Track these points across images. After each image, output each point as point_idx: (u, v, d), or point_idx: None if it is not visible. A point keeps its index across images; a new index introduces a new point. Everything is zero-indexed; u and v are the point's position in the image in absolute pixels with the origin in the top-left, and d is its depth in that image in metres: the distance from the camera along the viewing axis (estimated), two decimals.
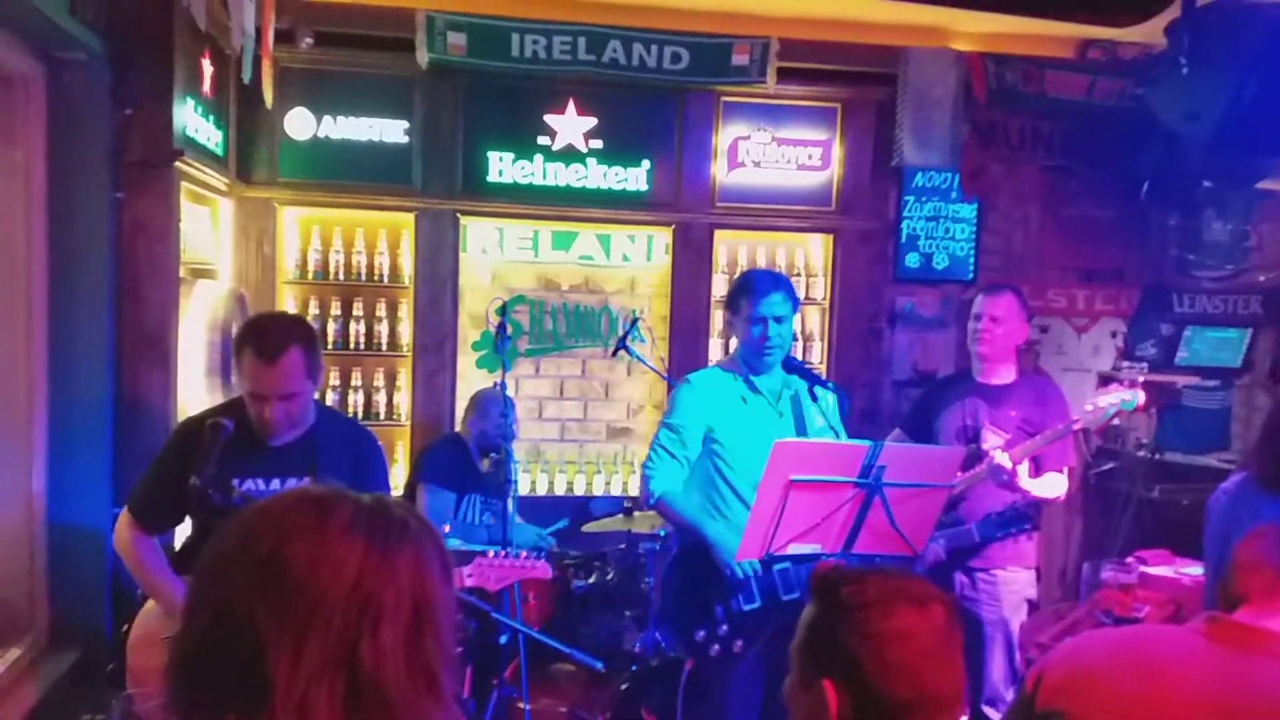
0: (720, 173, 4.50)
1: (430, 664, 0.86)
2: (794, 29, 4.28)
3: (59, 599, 2.99)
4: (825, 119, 4.56)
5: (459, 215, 4.34)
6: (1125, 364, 4.74)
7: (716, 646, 2.63)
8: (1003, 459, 2.95)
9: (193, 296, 3.54)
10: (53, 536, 2.97)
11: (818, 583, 1.29)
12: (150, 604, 2.43)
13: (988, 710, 3.13)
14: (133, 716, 1.87)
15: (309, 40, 4.04)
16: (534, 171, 4.35)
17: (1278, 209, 5.08)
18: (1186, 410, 5.10)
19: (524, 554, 2.78)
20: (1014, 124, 4.84)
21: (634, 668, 3.28)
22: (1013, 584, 3.14)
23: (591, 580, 3.50)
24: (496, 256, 4.49)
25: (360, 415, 4.25)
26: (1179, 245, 5.04)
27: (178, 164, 3.22)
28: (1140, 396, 2.99)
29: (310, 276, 4.26)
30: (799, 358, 2.91)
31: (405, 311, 4.35)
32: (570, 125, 4.36)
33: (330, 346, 4.21)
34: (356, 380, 4.32)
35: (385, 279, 4.32)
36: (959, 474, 2.92)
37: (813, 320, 4.66)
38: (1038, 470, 3.09)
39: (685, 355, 4.33)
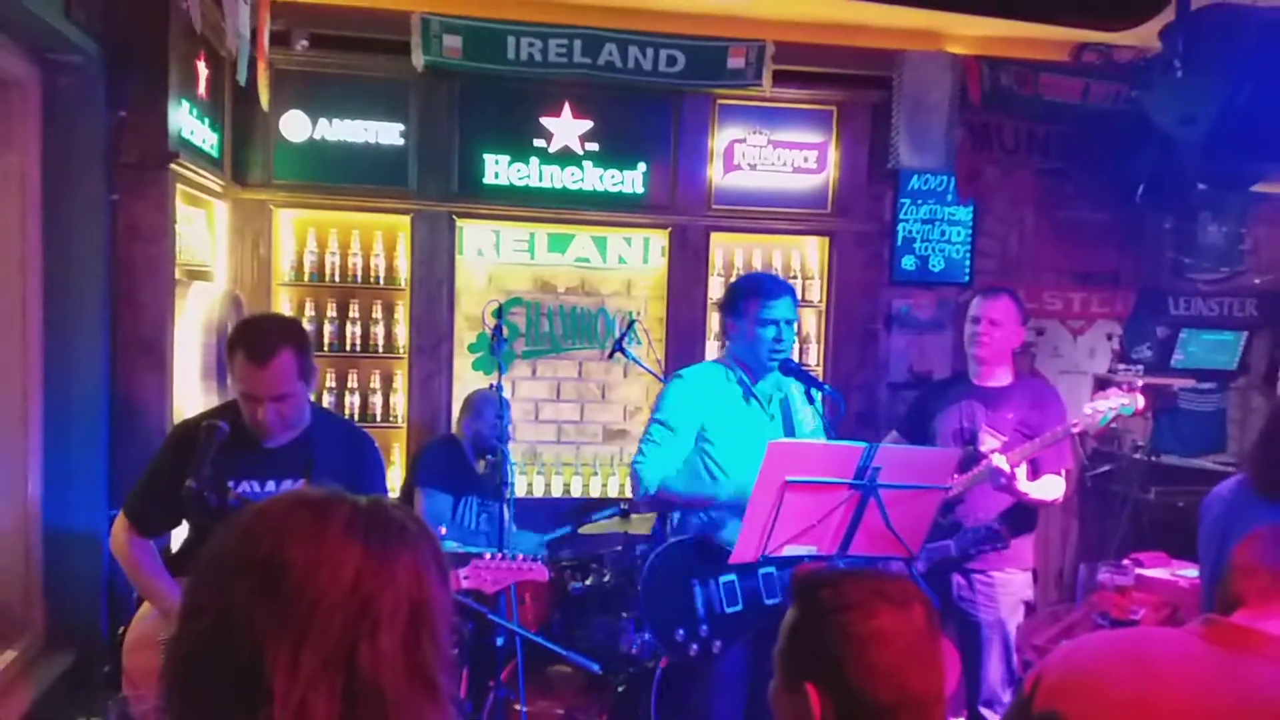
0: (716, 175, 4.50)
1: (428, 666, 0.86)
2: (789, 32, 4.29)
3: (54, 601, 2.98)
4: (821, 122, 4.57)
5: (455, 217, 4.34)
6: (1121, 367, 4.75)
7: (695, 646, 2.63)
8: (1001, 462, 2.96)
9: (188, 298, 3.54)
10: (48, 538, 2.97)
11: (798, 586, 1.29)
12: (146, 606, 2.43)
13: (985, 712, 3.13)
14: (128, 719, 1.86)
15: (304, 42, 4.04)
16: (530, 174, 4.36)
17: (1273, 212, 5.10)
18: (1182, 413, 5.11)
19: (520, 556, 2.78)
20: (1009, 127, 4.85)
21: (630, 670, 3.28)
22: (1010, 586, 3.14)
23: (588, 582, 3.49)
24: (492, 258, 4.49)
25: (356, 417, 4.24)
26: (1174, 248, 5.05)
27: (173, 166, 3.21)
28: (1139, 401, 2.99)
29: (306, 278, 4.26)
30: (795, 360, 2.90)
31: (401, 314, 4.35)
32: (566, 128, 4.37)
33: (326, 349, 4.21)
34: (353, 382, 4.32)
35: (381, 281, 4.32)
36: (956, 476, 2.92)
37: (809, 323, 4.66)
38: (1035, 473, 3.09)
39: (682, 357, 4.33)
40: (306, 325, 4.06)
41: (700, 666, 2.68)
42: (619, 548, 3.62)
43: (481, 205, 4.36)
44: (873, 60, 4.42)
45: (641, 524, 3.62)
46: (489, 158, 4.33)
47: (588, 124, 4.37)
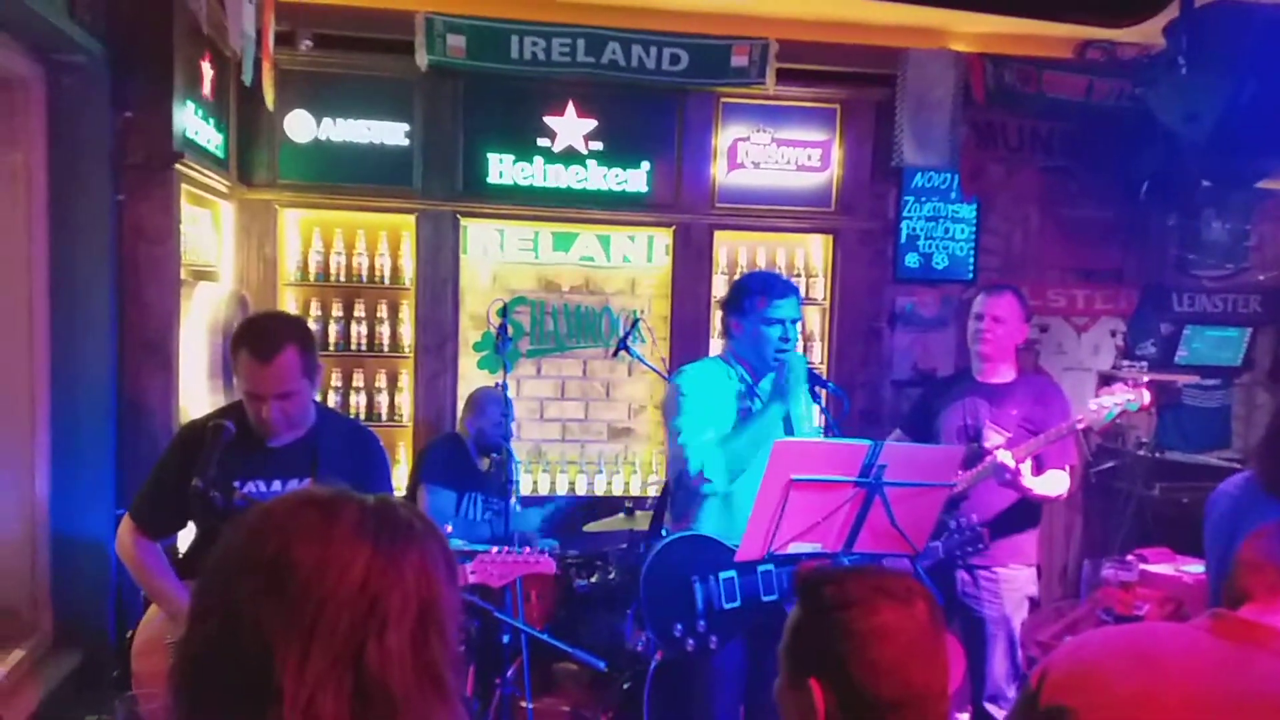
0: (720, 174, 4.50)
1: (436, 665, 0.86)
2: (793, 30, 4.29)
3: (62, 601, 2.98)
4: (824, 120, 4.56)
5: (459, 217, 4.34)
6: (1125, 363, 4.75)
7: (692, 642, 2.63)
8: (1006, 457, 2.96)
9: (194, 299, 3.54)
10: (56, 539, 2.97)
11: (801, 583, 1.30)
12: (154, 609, 2.42)
13: (990, 708, 3.13)
14: (137, 717, 1.87)
15: (308, 42, 4.05)
16: (534, 173, 4.36)
17: (1277, 208, 5.09)
18: (1186, 409, 5.10)
19: (526, 549, 2.78)
20: (1013, 124, 4.85)
21: (636, 667, 3.28)
22: (1014, 581, 3.15)
23: (594, 579, 3.50)
24: (497, 258, 4.49)
25: (362, 416, 4.25)
26: (1178, 245, 5.05)
27: (178, 166, 3.21)
28: (1145, 397, 2.99)
29: (311, 278, 4.27)
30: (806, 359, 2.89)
31: (406, 313, 4.35)
32: (570, 127, 4.37)
33: (331, 348, 4.21)
34: (358, 381, 4.33)
35: (386, 280, 4.32)
36: (961, 473, 2.92)
37: (813, 321, 4.66)
38: (1039, 468, 3.09)
39: (686, 355, 4.32)
40: (312, 325, 4.06)
41: (696, 662, 2.68)
42: (624, 545, 3.63)
43: (486, 204, 4.36)
44: (876, 58, 4.42)
45: (646, 521, 3.63)
46: (493, 157, 4.33)
47: (592, 123, 4.38)
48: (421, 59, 4.03)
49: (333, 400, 4.21)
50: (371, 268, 4.31)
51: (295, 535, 0.85)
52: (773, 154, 4.53)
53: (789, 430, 2.78)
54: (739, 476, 2.70)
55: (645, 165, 4.43)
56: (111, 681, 2.68)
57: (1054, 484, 3.10)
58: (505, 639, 2.96)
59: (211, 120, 3.63)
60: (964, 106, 4.44)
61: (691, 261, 4.49)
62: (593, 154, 4.39)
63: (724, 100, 4.45)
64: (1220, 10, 3.47)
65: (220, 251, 4.00)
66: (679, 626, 2.63)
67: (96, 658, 2.95)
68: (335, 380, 4.26)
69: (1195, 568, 3.91)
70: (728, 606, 2.66)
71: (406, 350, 4.35)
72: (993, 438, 3.14)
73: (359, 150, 4.22)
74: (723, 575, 2.67)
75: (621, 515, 3.77)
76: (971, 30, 4.42)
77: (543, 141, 4.36)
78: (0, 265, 2.86)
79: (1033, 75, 4.50)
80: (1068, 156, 4.88)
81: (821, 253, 4.68)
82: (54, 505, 2.96)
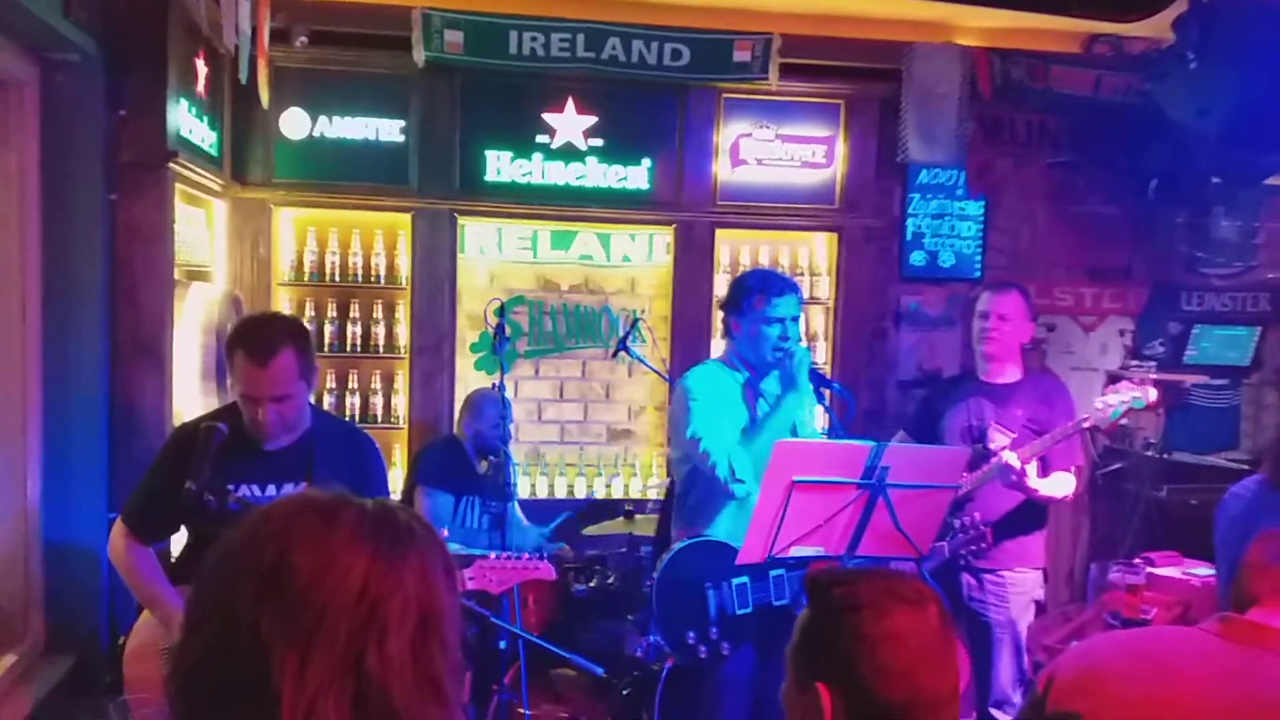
0: (722, 171, 4.46)
1: (436, 672, 0.84)
2: (796, 25, 4.24)
3: (54, 606, 2.97)
4: (828, 116, 4.52)
5: (456, 215, 4.30)
6: (1133, 363, 4.70)
7: (705, 649, 2.62)
8: (1011, 458, 2.93)
9: (187, 299, 3.52)
10: (48, 542, 2.96)
11: (811, 585, 1.29)
12: (147, 614, 2.39)
13: (996, 713, 3.11)
14: None
15: (304, 39, 4.01)
16: (532, 170, 4.32)
17: None
18: (1195, 409, 5.04)
19: (525, 555, 2.75)
20: (1020, 120, 4.80)
21: (635, 673, 3.24)
22: (1020, 585, 3.12)
23: (592, 584, 3.47)
24: (495, 257, 4.45)
25: (357, 418, 4.21)
26: (1187, 243, 4.99)
27: (172, 165, 3.20)
28: (1151, 395, 2.96)
29: (306, 278, 4.24)
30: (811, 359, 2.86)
31: (402, 313, 4.32)
32: (569, 123, 4.33)
33: (326, 349, 4.18)
34: (353, 383, 4.29)
35: (382, 280, 4.29)
36: (966, 474, 2.89)
37: (817, 320, 4.62)
38: (1045, 469, 3.06)
39: (687, 356, 4.29)
40: (306, 325, 4.04)
41: (708, 668, 2.66)
42: (623, 549, 3.59)
43: (483, 202, 4.32)
44: (881, 53, 4.37)
45: (645, 525, 3.59)
46: (491, 154, 4.29)
47: (591, 119, 4.33)
48: (419, 55, 3.99)
49: (328, 402, 4.18)
50: (367, 267, 4.28)
51: (294, 541, 0.83)
52: (776, 150, 4.48)
53: (793, 432, 2.75)
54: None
55: (646, 162, 4.39)
56: (104, 687, 2.66)
57: (1060, 485, 3.07)
58: (503, 644, 2.94)
59: (206, 118, 3.60)
60: (971, 102, 4.38)
61: (693, 260, 4.44)
62: (592, 151, 4.34)
63: (726, 96, 4.41)
64: (1230, 4, 3.43)
65: (214, 251, 3.97)
66: (692, 634, 2.63)
67: (88, 663, 2.94)
68: (330, 382, 4.22)
69: (1203, 571, 3.87)
70: (740, 612, 2.66)
71: (402, 351, 4.31)
72: (998, 439, 3.10)
73: (355, 148, 4.18)
74: (735, 581, 2.66)
75: (621, 518, 3.73)
76: (978, 25, 4.37)
77: (541, 138, 4.31)
78: None
79: (1040, 70, 4.45)
80: (1076, 152, 4.83)
81: (825, 251, 4.63)
82: (46, 509, 2.95)
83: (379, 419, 4.29)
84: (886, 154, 4.52)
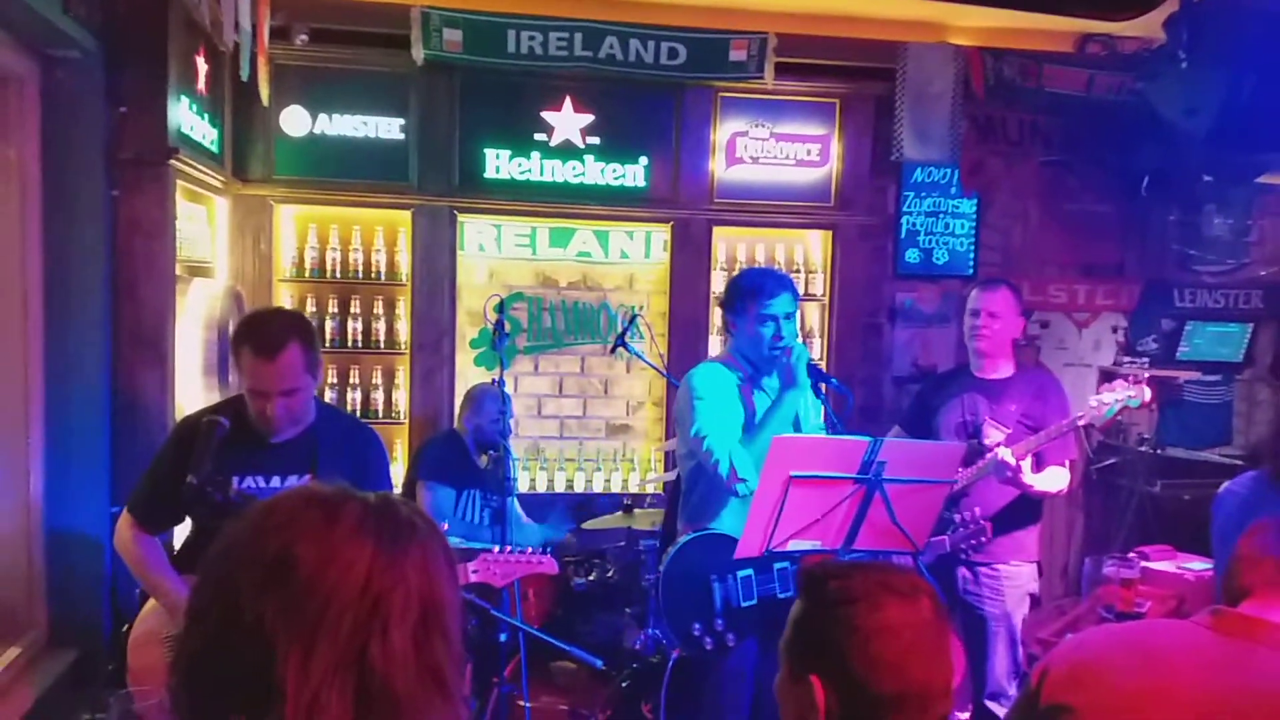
0: (718, 169, 4.48)
1: (438, 664, 0.85)
2: (792, 24, 4.27)
3: (57, 598, 2.98)
4: (824, 114, 4.54)
5: (456, 212, 4.32)
6: (1126, 359, 4.73)
7: (710, 640, 2.65)
8: (1007, 455, 2.94)
9: (189, 295, 3.53)
10: (51, 536, 2.96)
11: (805, 578, 1.29)
12: (151, 603, 2.42)
13: (990, 705, 3.13)
14: (131, 715, 1.85)
15: (304, 37, 4.02)
16: (531, 168, 4.34)
17: (1278, 203, 5.07)
18: (1188, 405, 5.08)
19: (529, 549, 2.77)
20: (1013, 119, 4.83)
21: (634, 665, 3.27)
22: (1016, 578, 3.14)
23: (592, 578, 3.49)
24: (494, 253, 4.47)
25: (359, 413, 4.22)
26: (1179, 240, 5.03)
27: (173, 162, 3.20)
28: (1146, 394, 2.97)
29: (307, 274, 4.25)
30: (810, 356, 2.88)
31: (403, 309, 4.33)
32: (567, 121, 4.35)
33: (328, 345, 4.19)
34: (354, 378, 4.31)
35: (382, 276, 4.30)
36: (961, 470, 2.91)
37: (812, 317, 4.64)
38: (1039, 464, 3.08)
39: (684, 351, 4.32)
40: (308, 318, 4.05)
41: (712, 660, 2.69)
42: (622, 543, 3.61)
43: (482, 200, 4.34)
44: (875, 52, 4.39)
45: (645, 519, 3.62)
46: (490, 152, 4.31)
47: (589, 117, 4.35)
48: (418, 53, 4.01)
49: (329, 397, 4.19)
50: (367, 263, 4.29)
51: (297, 533, 0.84)
52: (771, 149, 4.50)
53: (795, 426, 2.78)
54: None
55: (643, 160, 4.41)
56: (107, 676, 2.67)
57: (1054, 480, 3.09)
58: (503, 637, 2.95)
59: (206, 115, 3.61)
60: (964, 101, 4.42)
61: (690, 257, 4.47)
62: (590, 149, 4.36)
63: (722, 95, 4.43)
64: (1221, 4, 3.46)
65: (215, 247, 3.98)
66: (698, 626, 2.65)
67: (91, 655, 2.94)
68: (331, 377, 4.24)
69: (1197, 565, 3.91)
70: (745, 604, 2.68)
71: (403, 347, 4.33)
72: (992, 434, 3.13)
73: (355, 145, 4.20)
74: (740, 574, 2.68)
75: (620, 512, 3.75)
76: (971, 24, 4.40)
77: (540, 136, 4.33)
78: None
79: (1033, 69, 4.48)
80: (1068, 151, 4.86)
81: (821, 248, 4.66)
82: (48, 502, 2.95)
83: (380, 414, 4.30)
84: (881, 152, 4.55)
